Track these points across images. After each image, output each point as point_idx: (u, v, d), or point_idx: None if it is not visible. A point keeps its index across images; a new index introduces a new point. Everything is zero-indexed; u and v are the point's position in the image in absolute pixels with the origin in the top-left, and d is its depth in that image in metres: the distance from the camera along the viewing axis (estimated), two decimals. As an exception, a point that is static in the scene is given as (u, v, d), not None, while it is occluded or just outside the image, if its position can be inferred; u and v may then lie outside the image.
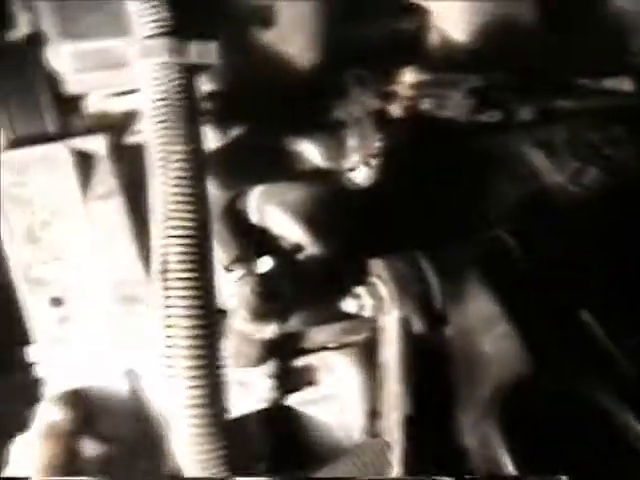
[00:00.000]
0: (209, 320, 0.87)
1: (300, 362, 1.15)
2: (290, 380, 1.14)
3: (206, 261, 0.88)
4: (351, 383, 1.14)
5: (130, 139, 1.13)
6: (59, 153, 1.07)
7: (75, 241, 1.06)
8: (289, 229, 1.10)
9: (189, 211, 0.87)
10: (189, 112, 0.91)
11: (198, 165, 0.89)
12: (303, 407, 1.18)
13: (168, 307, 0.86)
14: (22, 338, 1.22)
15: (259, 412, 1.13)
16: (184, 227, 0.87)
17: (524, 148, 1.27)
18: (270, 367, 1.12)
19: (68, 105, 1.11)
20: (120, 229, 1.07)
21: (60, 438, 0.98)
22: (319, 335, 1.13)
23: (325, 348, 1.16)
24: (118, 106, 1.12)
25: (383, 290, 1.00)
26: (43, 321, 1.06)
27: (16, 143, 1.09)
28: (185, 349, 0.86)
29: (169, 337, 0.86)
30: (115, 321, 1.06)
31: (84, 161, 1.08)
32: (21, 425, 1.28)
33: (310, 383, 1.17)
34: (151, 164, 0.90)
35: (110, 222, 1.07)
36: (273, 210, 1.10)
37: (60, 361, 1.06)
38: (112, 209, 1.08)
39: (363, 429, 1.15)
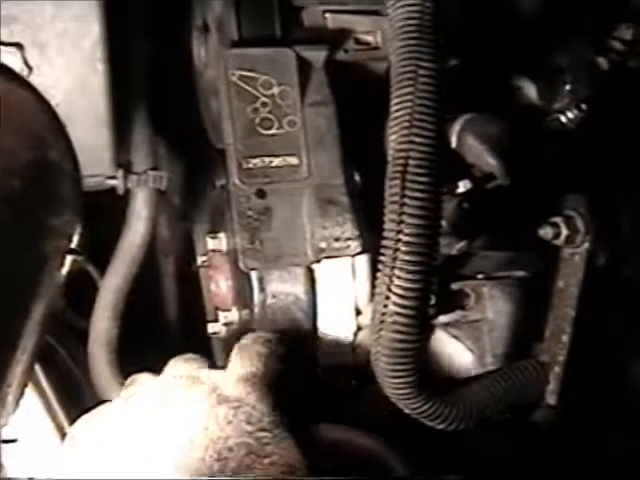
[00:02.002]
0: (436, 221, 0.98)
1: (457, 285, 1.25)
2: (446, 300, 1.24)
3: (441, 166, 0.97)
4: (500, 312, 1.24)
5: (342, 56, 1.22)
6: (285, 57, 1.15)
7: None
8: (483, 159, 1.19)
9: (432, 122, 0.96)
10: (437, 32, 1.00)
11: (442, 82, 0.98)
12: (443, 328, 1.27)
13: (403, 205, 0.96)
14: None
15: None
16: (426, 136, 0.96)
17: None
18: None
19: (293, 15, 1.21)
20: (328, 136, 1.16)
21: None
22: (485, 262, 1.23)
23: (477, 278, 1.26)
24: (337, 23, 1.21)
25: (579, 223, 1.10)
26: (246, 210, 1.14)
27: (240, 43, 1.18)
28: (411, 245, 0.96)
29: (398, 231, 0.96)
30: (311, 220, 1.15)
31: (303, 68, 1.16)
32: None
33: (459, 307, 1.26)
34: (396, 77, 0.99)
35: (320, 128, 1.16)
36: (471, 139, 1.20)
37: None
38: (323, 117, 1.16)
39: (501, 357, 1.25)
